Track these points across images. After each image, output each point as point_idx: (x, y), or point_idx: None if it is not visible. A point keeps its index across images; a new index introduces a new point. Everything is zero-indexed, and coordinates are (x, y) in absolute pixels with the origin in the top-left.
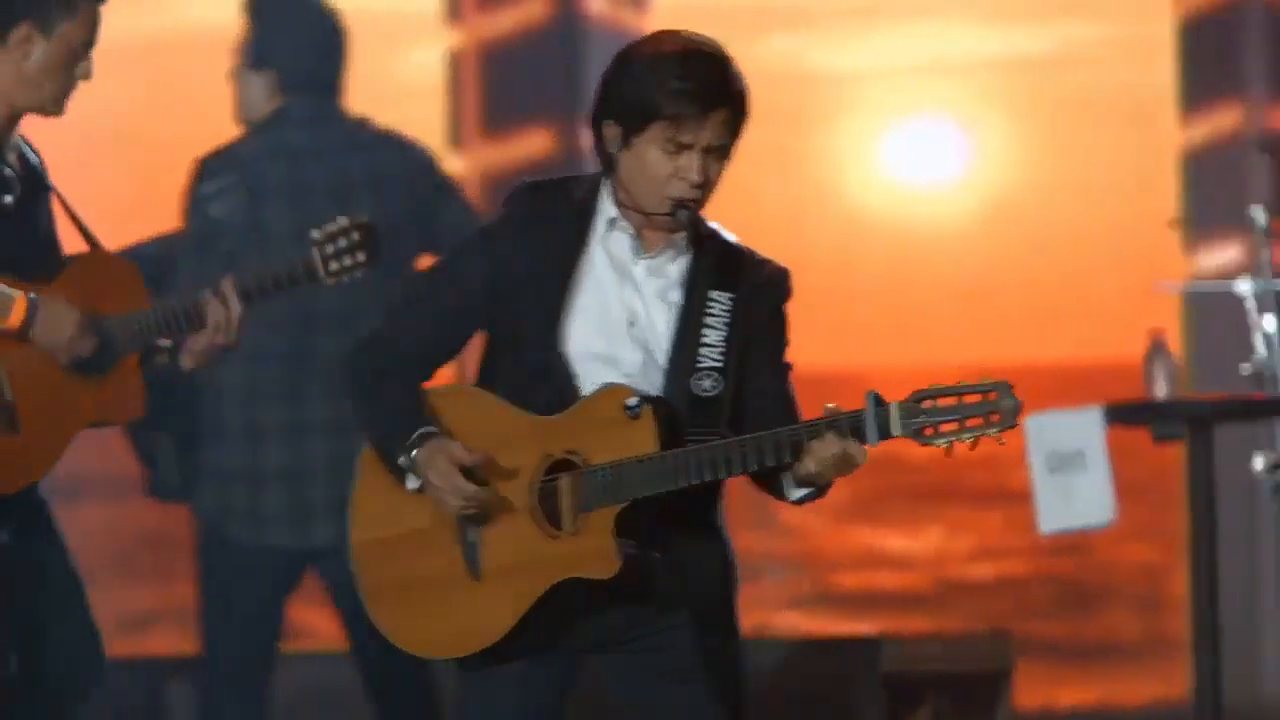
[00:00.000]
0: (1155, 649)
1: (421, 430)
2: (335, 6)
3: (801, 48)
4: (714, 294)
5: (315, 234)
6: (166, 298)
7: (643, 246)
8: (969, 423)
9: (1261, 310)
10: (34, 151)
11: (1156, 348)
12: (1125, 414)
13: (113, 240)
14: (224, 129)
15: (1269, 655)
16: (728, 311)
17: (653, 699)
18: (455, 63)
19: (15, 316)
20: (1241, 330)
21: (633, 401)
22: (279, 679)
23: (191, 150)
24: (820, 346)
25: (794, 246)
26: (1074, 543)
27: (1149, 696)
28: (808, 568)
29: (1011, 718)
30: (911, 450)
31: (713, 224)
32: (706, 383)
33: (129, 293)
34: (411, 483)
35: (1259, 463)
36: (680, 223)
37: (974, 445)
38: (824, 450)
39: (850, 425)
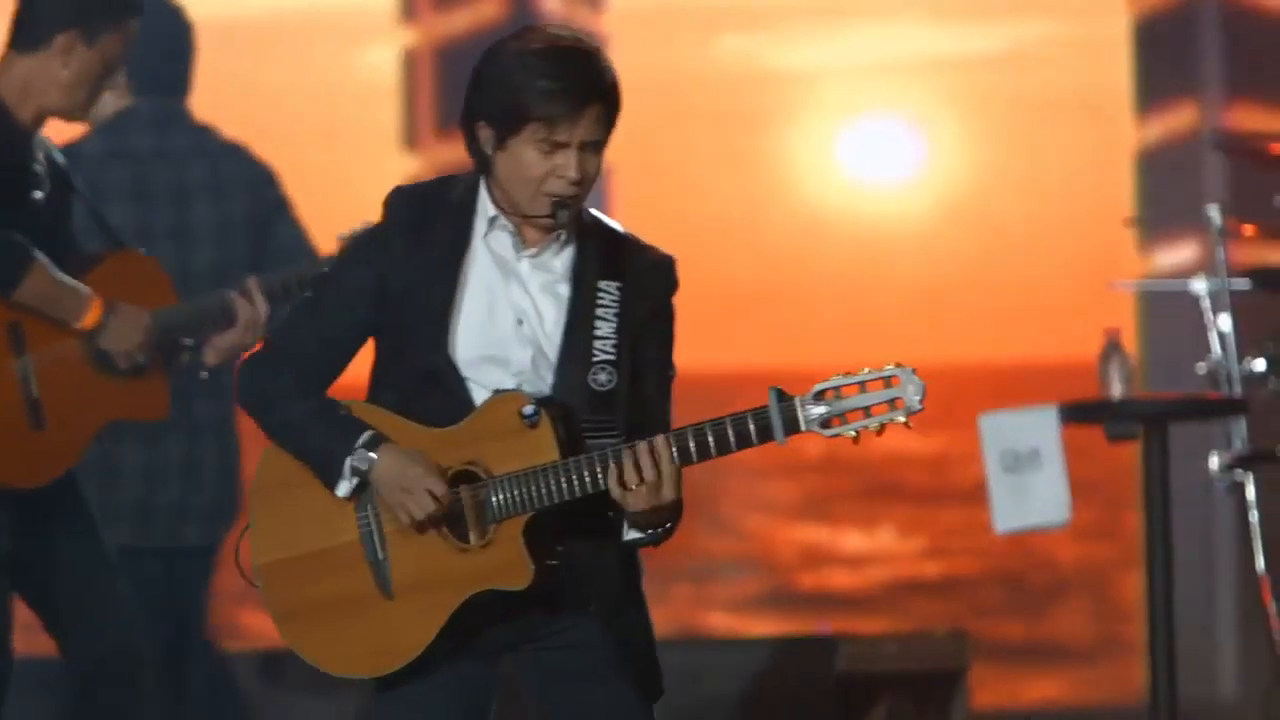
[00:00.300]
0: (1110, 649)
1: (371, 433)
2: (180, 5)
3: (757, 48)
4: (602, 284)
5: (343, 235)
6: (195, 297)
7: (525, 242)
8: (874, 410)
9: (1217, 309)
10: (59, 152)
11: (1112, 347)
12: (1080, 413)
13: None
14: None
15: (1224, 656)
16: (616, 302)
17: (567, 697)
18: (410, 62)
19: (90, 318)
20: (1197, 329)
21: (529, 410)
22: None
23: None
24: (777, 345)
25: (751, 245)
26: (1028, 542)
27: (1104, 696)
28: (762, 568)
29: (968, 717)
30: (849, 449)
31: (594, 212)
32: (602, 376)
33: (158, 291)
34: (344, 488)
35: (1214, 462)
36: (561, 223)
37: (880, 432)
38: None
39: (756, 423)
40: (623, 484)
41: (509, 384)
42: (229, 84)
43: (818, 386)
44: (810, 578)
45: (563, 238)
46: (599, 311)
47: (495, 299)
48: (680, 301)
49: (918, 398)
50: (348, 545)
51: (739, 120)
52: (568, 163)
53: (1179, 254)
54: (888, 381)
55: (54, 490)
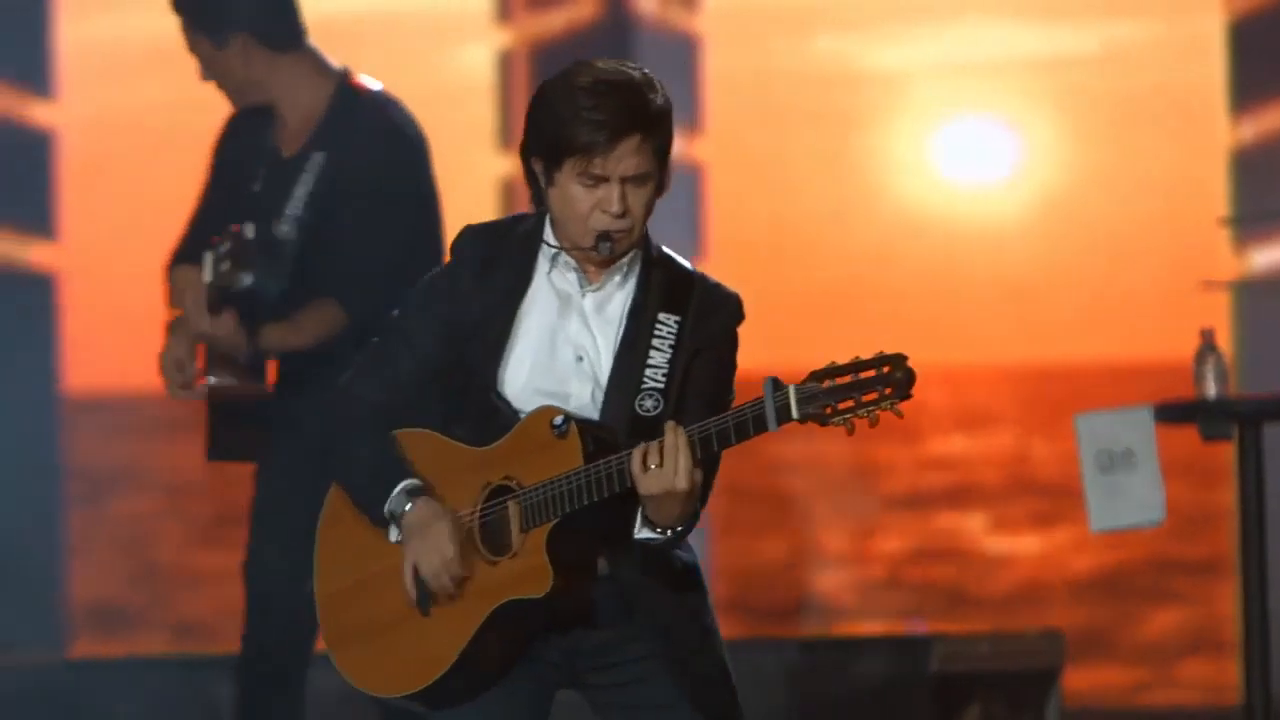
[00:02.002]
0: (1204, 649)
1: (409, 484)
2: None
3: (852, 48)
4: (662, 316)
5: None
6: None
7: (588, 278)
8: (865, 398)
9: None
10: None
11: (1206, 347)
12: (1175, 413)
13: (159, 234)
14: None
15: None
16: (674, 334)
17: None
18: (505, 63)
19: None
20: None
21: (558, 420)
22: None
23: None
24: (868, 345)
25: (843, 245)
26: (1121, 541)
27: (1198, 697)
28: (855, 565)
29: (1062, 716)
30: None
31: (667, 250)
32: (648, 402)
33: None
34: (394, 535)
35: None
36: (605, 255)
37: (874, 422)
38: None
39: (751, 413)
40: (644, 465)
41: None
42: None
43: (812, 374)
44: (905, 573)
45: (624, 270)
46: (654, 342)
47: (556, 335)
48: (772, 300)
49: (908, 385)
50: (390, 569)
51: (833, 120)
52: (609, 196)
53: (1274, 253)
54: (879, 370)
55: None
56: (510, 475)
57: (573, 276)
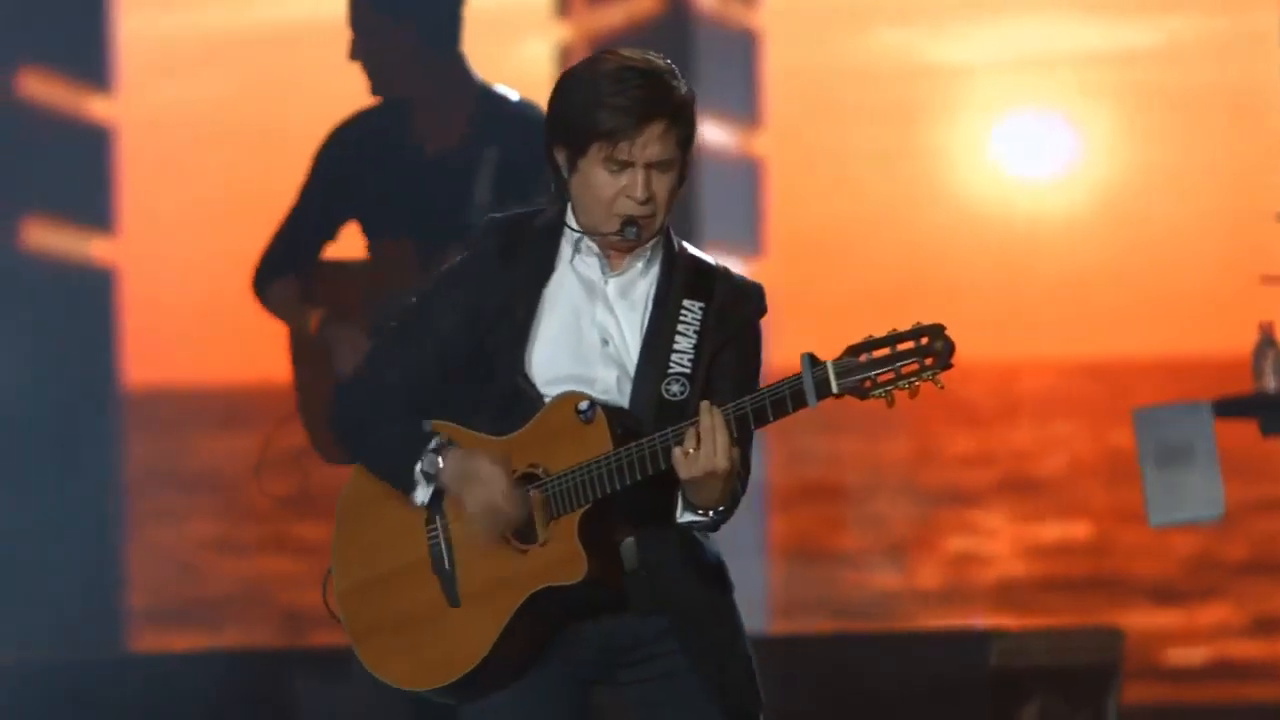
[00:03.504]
0: (1265, 646)
1: (439, 438)
2: None
3: (912, 42)
4: (686, 303)
5: None
6: None
7: (611, 265)
8: (905, 369)
9: None
10: None
11: (1266, 341)
12: (1234, 408)
13: (218, 229)
14: (322, 118)
15: None
16: (699, 320)
17: None
18: (565, 57)
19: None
20: None
21: (584, 405)
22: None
23: (288, 141)
24: None
25: (903, 239)
26: (1182, 536)
27: (1259, 694)
28: (922, 560)
29: (1120, 713)
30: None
31: (690, 246)
32: (675, 387)
33: None
34: (420, 494)
35: None
36: (629, 240)
37: (914, 394)
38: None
39: (790, 389)
40: (684, 450)
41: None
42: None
43: (850, 348)
44: (962, 568)
45: (647, 256)
46: (680, 328)
47: (581, 320)
48: (831, 295)
49: (948, 355)
50: (418, 561)
51: (893, 115)
52: (634, 182)
53: None
54: (918, 341)
55: None
56: (535, 463)
57: (595, 263)
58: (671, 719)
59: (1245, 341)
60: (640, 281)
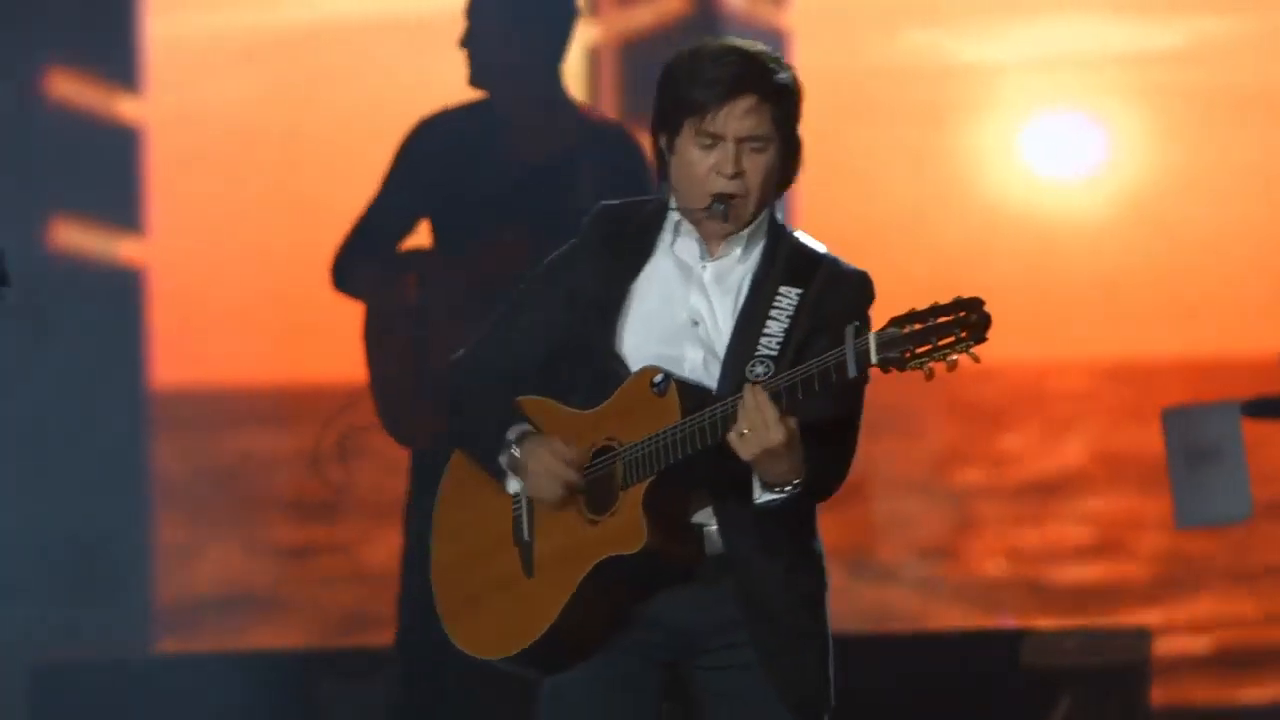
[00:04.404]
0: None
1: (522, 429)
2: None
3: (940, 42)
4: (783, 289)
5: None
6: None
7: (709, 249)
8: (942, 342)
9: None
10: None
11: None
12: (1263, 408)
13: (246, 229)
14: (350, 119)
15: None
16: (793, 306)
17: (719, 717)
18: (594, 58)
19: None
20: None
21: (658, 379)
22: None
23: (317, 141)
24: None
25: (931, 240)
26: (1210, 536)
27: None
28: (948, 558)
29: (1149, 713)
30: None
31: (800, 232)
32: (759, 369)
33: None
34: (513, 485)
35: None
36: (719, 217)
37: (951, 367)
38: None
39: (832, 360)
40: (736, 433)
41: None
42: (412, 80)
43: (892, 320)
44: (992, 567)
45: (744, 243)
46: (773, 313)
47: (672, 300)
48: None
49: (983, 329)
50: (502, 534)
51: (921, 115)
52: (725, 158)
53: None
54: (956, 314)
55: None
56: (612, 435)
57: (694, 247)
58: (736, 710)
59: (1274, 343)
60: (738, 268)
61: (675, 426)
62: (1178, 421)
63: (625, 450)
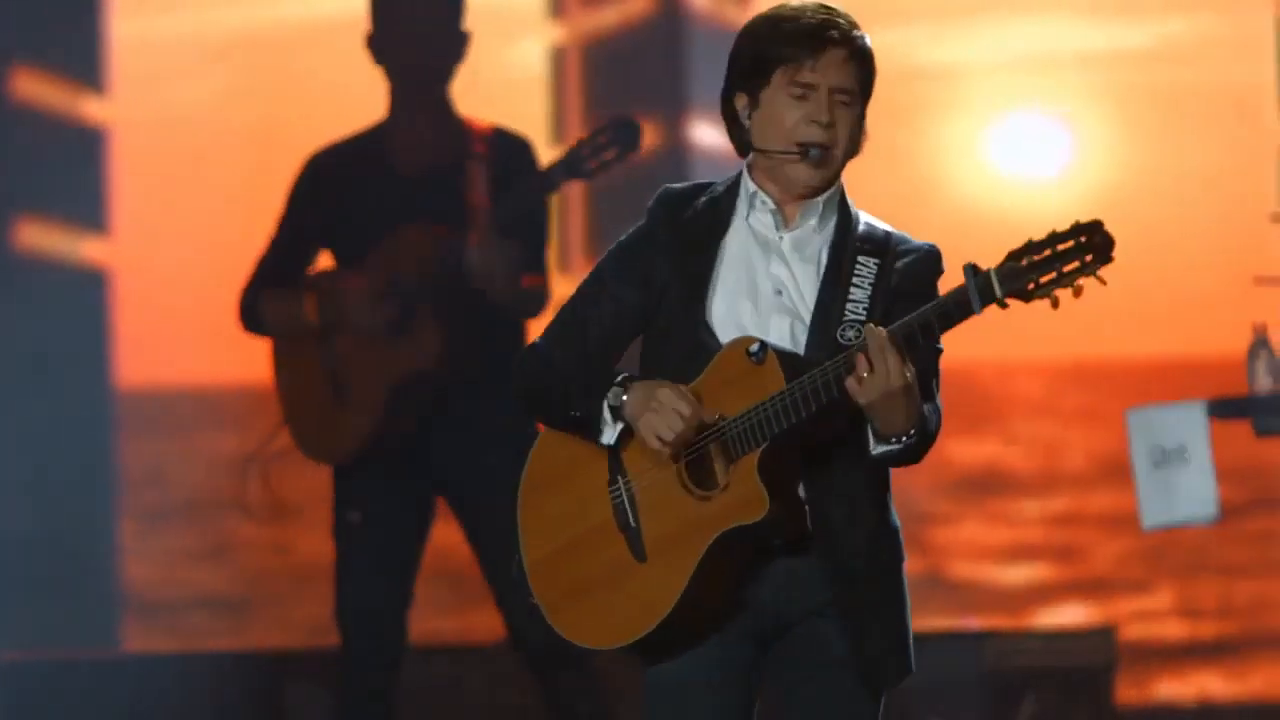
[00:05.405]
0: (1258, 645)
1: (623, 375)
2: None
3: (904, 43)
4: (861, 259)
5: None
6: None
7: (785, 220)
8: (1066, 268)
9: None
10: None
11: (1259, 342)
12: (1228, 408)
13: (211, 230)
14: (317, 120)
15: None
16: (873, 274)
17: (791, 687)
18: (558, 57)
19: None
20: None
21: (755, 347)
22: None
23: (283, 143)
24: None
25: None
26: (1173, 538)
27: (1249, 693)
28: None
29: (1113, 714)
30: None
31: (866, 214)
32: (850, 333)
33: None
34: (608, 434)
35: None
36: (813, 160)
37: (1078, 292)
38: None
39: (955, 299)
40: (856, 377)
41: None
42: (379, 79)
43: (1011, 253)
44: (957, 568)
45: (819, 213)
46: (855, 280)
47: (755, 271)
48: None
49: (1108, 250)
50: (603, 523)
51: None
52: (819, 107)
53: None
54: (1077, 240)
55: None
56: (712, 410)
57: (770, 219)
58: (802, 680)
59: (1240, 342)
60: (815, 238)
61: (783, 392)
62: (1142, 422)
63: (733, 421)
